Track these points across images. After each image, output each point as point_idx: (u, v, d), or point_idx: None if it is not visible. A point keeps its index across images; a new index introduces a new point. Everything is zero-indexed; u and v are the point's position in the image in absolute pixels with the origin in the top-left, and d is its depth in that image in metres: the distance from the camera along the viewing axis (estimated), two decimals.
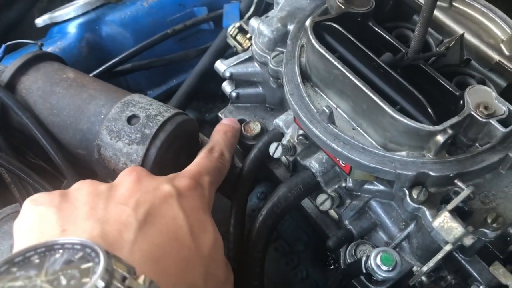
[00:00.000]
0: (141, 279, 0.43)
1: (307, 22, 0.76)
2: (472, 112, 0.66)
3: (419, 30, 0.72)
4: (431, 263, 0.65)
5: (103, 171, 0.87)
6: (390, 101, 0.68)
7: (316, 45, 0.73)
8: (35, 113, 0.89)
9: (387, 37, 0.79)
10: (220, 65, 0.93)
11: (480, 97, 0.68)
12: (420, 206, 0.68)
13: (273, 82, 0.89)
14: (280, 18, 0.87)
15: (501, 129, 0.66)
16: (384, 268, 0.73)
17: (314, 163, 0.84)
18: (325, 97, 0.78)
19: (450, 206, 0.64)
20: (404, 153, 0.69)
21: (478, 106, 0.67)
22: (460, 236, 0.62)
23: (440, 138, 0.65)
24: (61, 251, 0.44)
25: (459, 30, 0.82)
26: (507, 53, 0.80)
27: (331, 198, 0.80)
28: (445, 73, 0.77)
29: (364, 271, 0.75)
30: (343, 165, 0.77)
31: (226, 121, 0.91)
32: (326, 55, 0.72)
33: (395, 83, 0.70)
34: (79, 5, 1.23)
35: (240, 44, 1.12)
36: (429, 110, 0.67)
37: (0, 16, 1.47)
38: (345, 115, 0.76)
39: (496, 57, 0.80)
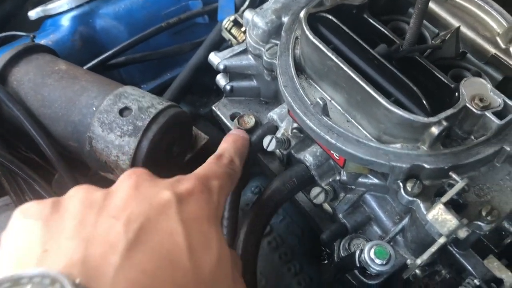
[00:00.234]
0: None
1: (302, 14, 0.75)
2: (467, 104, 0.66)
3: (414, 22, 0.71)
4: (425, 256, 0.64)
5: (94, 164, 0.86)
6: (384, 92, 0.67)
7: (310, 36, 0.72)
8: (26, 105, 0.88)
9: (382, 29, 0.78)
10: (214, 58, 0.92)
11: (475, 89, 0.67)
12: (415, 199, 0.68)
13: (267, 75, 0.88)
14: (274, 10, 0.86)
15: (496, 121, 0.65)
16: (378, 261, 0.72)
17: (308, 157, 0.83)
18: (319, 89, 0.77)
19: (445, 198, 0.63)
20: (398, 145, 0.68)
21: (473, 98, 0.66)
22: (454, 229, 0.61)
23: (434, 130, 0.64)
24: (29, 286, 0.41)
25: (455, 23, 0.82)
26: (503, 46, 0.79)
27: (325, 191, 0.79)
28: (441, 66, 0.76)
29: (358, 265, 0.74)
30: (337, 158, 0.76)
31: (235, 131, 0.84)
32: (320, 46, 0.71)
33: (389, 75, 0.69)
34: None
35: (235, 37, 1.11)
36: (424, 101, 0.66)
37: None
38: (339, 108, 0.75)
39: (492, 50, 0.79)
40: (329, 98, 0.76)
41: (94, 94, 0.86)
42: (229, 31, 1.13)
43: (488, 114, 0.66)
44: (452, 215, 0.62)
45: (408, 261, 0.74)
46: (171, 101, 0.88)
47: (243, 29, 1.11)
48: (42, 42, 1.17)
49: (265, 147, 0.84)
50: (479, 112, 0.66)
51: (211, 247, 0.56)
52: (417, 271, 0.71)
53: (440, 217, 0.62)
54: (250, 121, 0.95)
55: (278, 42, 0.84)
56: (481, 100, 0.66)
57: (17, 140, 0.97)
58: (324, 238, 0.81)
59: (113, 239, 0.50)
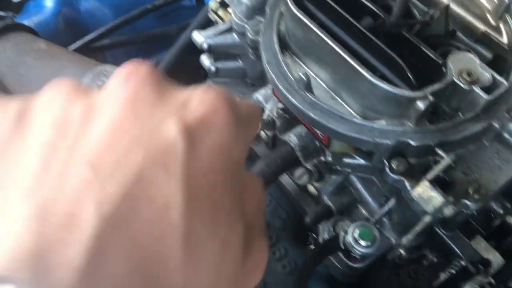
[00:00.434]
0: None
1: None
2: (454, 79, 0.64)
3: None
4: (411, 235, 0.62)
5: None
6: (370, 67, 0.65)
7: (294, 10, 0.70)
8: (3, 84, 0.85)
9: (369, 5, 0.76)
10: (198, 36, 0.90)
11: (463, 63, 0.65)
12: (400, 177, 0.65)
13: (252, 54, 0.86)
14: None
15: (484, 96, 0.63)
16: (363, 243, 0.70)
17: (293, 137, 0.81)
18: (304, 66, 0.75)
19: (430, 175, 0.61)
20: (383, 122, 0.66)
21: (461, 73, 0.64)
22: (439, 206, 0.59)
23: (420, 105, 0.62)
24: None
25: (444, 0, 0.79)
26: (493, 23, 0.77)
27: (309, 172, 0.77)
28: (430, 45, 0.73)
29: (342, 247, 0.72)
30: (322, 137, 0.74)
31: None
32: (304, 19, 0.68)
33: (375, 49, 0.67)
34: None
35: (221, 19, 1.09)
36: (410, 75, 0.64)
37: None
38: (324, 85, 0.73)
39: (482, 27, 0.77)
40: (314, 75, 0.74)
41: (73, 72, 0.84)
42: (216, 13, 1.10)
43: (476, 89, 0.63)
44: (438, 192, 0.60)
45: (393, 241, 0.71)
46: None
47: (230, 10, 1.08)
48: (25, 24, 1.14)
49: None
50: (466, 87, 0.63)
51: (229, 247, 0.34)
52: (402, 252, 0.69)
53: (425, 195, 0.60)
54: None
55: (262, 19, 0.82)
56: (469, 74, 0.63)
57: None
58: (308, 220, 0.79)
59: (80, 214, 0.30)
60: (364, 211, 0.80)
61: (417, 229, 0.62)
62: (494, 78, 0.64)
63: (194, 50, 1.00)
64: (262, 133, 0.87)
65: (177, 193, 0.32)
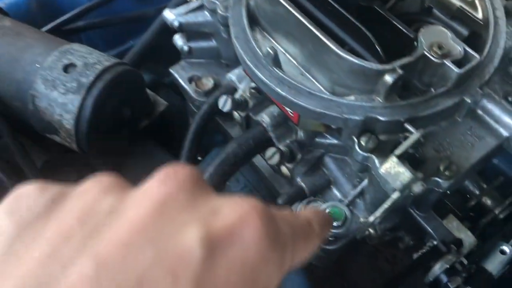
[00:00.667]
0: None
1: None
2: (425, 52, 0.61)
3: None
4: (378, 212, 0.60)
5: (38, 124, 0.81)
6: (338, 40, 0.62)
7: None
8: None
9: None
10: (169, 14, 0.87)
11: (434, 36, 0.63)
12: (370, 154, 0.63)
13: (224, 32, 0.83)
14: None
15: (455, 70, 0.61)
16: (333, 223, 0.68)
17: (265, 117, 0.78)
18: (273, 42, 0.73)
19: (398, 151, 0.59)
20: (352, 97, 0.64)
21: (432, 46, 0.62)
22: (407, 182, 0.57)
23: (388, 79, 0.60)
24: None
25: None
26: None
27: (280, 151, 0.75)
28: (405, 21, 0.71)
29: None
30: (292, 114, 0.71)
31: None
32: None
33: (343, 22, 0.65)
34: None
35: None
36: (378, 48, 0.62)
37: None
38: (293, 61, 0.71)
39: (457, 3, 0.75)
40: (284, 51, 0.71)
41: (39, 51, 0.81)
42: None
43: (448, 62, 0.61)
44: (406, 168, 0.58)
45: (361, 219, 0.69)
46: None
47: None
48: None
49: (220, 107, 0.79)
50: (437, 61, 0.61)
51: None
52: (371, 230, 0.67)
53: (392, 170, 0.58)
54: (208, 83, 0.90)
55: None
56: (439, 47, 0.61)
57: None
58: (280, 202, 0.77)
59: None
60: (337, 193, 0.78)
61: (385, 205, 0.59)
62: (465, 51, 0.62)
63: (172, 33, 0.97)
64: (236, 115, 0.85)
65: None
